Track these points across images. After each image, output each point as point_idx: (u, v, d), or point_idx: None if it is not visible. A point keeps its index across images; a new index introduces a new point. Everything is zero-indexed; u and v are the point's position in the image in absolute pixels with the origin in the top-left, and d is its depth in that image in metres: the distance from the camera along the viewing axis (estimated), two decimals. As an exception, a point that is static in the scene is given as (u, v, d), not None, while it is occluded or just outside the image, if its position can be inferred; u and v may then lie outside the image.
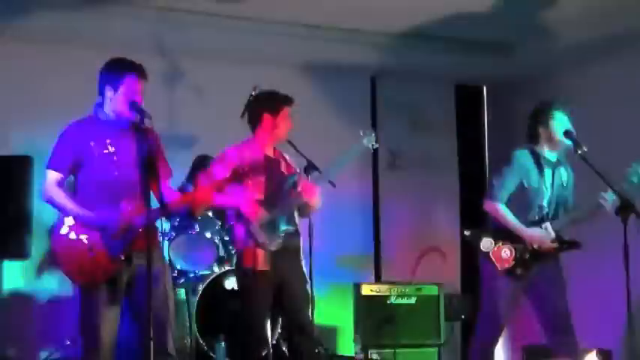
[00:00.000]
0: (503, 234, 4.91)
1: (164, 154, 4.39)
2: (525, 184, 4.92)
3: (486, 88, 7.98)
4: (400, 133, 7.50)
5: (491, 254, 4.91)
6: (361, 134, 4.89)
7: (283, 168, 4.92)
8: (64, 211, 4.09)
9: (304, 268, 4.88)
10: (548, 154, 4.99)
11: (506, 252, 4.89)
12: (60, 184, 4.13)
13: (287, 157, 5.03)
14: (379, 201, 7.57)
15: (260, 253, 4.68)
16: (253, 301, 4.73)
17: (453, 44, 6.66)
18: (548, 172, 4.97)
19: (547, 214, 4.95)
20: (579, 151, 4.78)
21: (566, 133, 4.87)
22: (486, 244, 4.93)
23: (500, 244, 4.90)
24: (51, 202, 4.13)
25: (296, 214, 4.89)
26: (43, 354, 5.93)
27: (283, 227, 4.74)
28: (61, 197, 4.10)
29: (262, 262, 4.68)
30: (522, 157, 4.95)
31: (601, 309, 6.31)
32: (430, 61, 7.00)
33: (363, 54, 6.86)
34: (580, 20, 6.03)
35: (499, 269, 4.87)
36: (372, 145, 4.90)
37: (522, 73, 7.24)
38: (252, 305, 4.74)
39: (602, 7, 5.81)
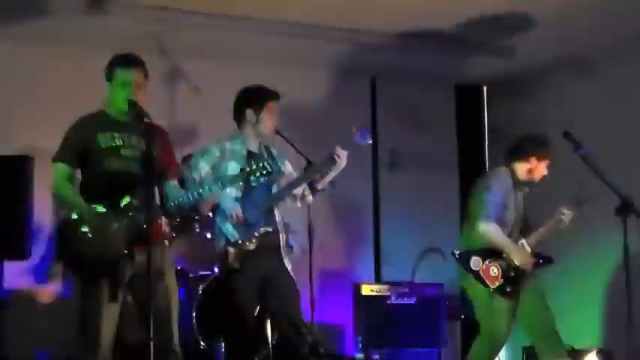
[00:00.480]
0: (489, 252, 4.96)
1: (173, 151, 4.37)
2: (506, 203, 5.00)
3: (486, 88, 7.97)
4: (400, 133, 7.49)
5: (481, 272, 4.95)
6: (353, 130, 4.79)
7: (267, 164, 4.83)
8: (69, 206, 4.08)
9: (288, 266, 4.78)
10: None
11: (494, 270, 4.94)
12: (68, 177, 4.12)
13: (275, 152, 4.95)
14: (379, 201, 7.58)
15: (232, 251, 4.62)
16: (235, 300, 4.68)
17: (453, 44, 6.65)
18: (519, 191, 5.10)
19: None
20: (578, 152, 4.79)
21: (565, 134, 4.87)
22: (475, 262, 4.98)
23: (487, 261, 4.95)
24: (57, 196, 4.12)
25: (276, 213, 4.81)
26: (43, 354, 5.93)
27: (260, 226, 4.65)
28: (68, 192, 4.09)
29: (233, 261, 4.62)
30: (507, 176, 5.04)
31: (601, 309, 6.31)
32: (430, 61, 7.00)
33: (363, 54, 6.86)
34: (580, 21, 6.03)
35: (491, 288, 4.92)
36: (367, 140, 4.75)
37: (522, 73, 7.24)
38: (235, 304, 4.69)
39: (603, 8, 5.82)
